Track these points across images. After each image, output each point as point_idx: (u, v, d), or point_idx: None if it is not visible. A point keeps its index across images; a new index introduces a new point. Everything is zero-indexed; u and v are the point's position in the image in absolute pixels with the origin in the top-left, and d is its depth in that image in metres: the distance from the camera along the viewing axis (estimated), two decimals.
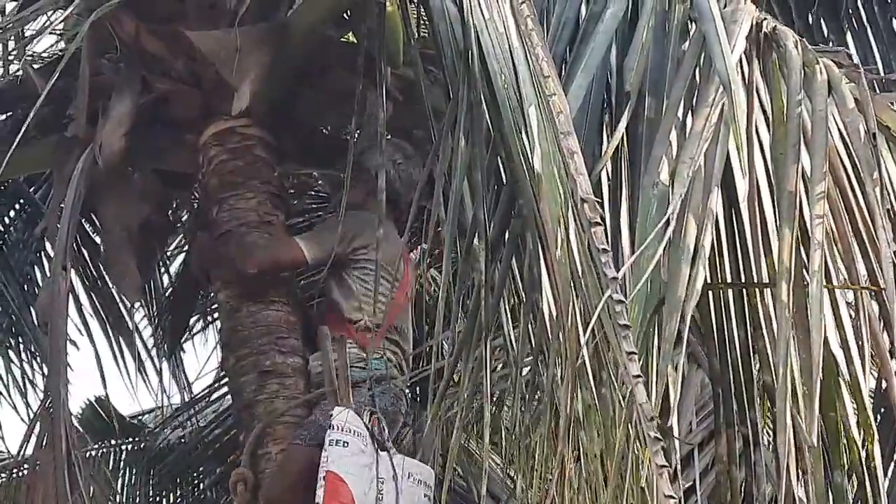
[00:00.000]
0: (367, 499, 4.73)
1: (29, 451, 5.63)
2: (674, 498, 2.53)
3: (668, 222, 2.83)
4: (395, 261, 5.06)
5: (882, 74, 5.30)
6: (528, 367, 3.72)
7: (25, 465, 5.83)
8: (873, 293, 3.09)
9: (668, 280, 2.89)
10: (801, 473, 3.10)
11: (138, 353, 6.96)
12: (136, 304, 6.84)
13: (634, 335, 2.89)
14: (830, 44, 5.73)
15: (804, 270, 2.96)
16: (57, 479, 5.08)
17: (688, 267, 2.88)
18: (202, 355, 9.93)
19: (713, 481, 5.13)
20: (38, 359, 6.91)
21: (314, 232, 5.45)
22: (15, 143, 4.45)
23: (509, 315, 3.92)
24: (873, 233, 2.99)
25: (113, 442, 8.14)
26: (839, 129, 3.11)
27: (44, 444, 5.32)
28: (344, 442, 4.76)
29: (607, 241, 2.90)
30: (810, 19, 5.88)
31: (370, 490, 4.73)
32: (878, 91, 3.51)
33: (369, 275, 5.07)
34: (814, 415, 2.79)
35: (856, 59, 5.44)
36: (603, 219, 2.94)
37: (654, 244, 2.85)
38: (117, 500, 7.90)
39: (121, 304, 6.79)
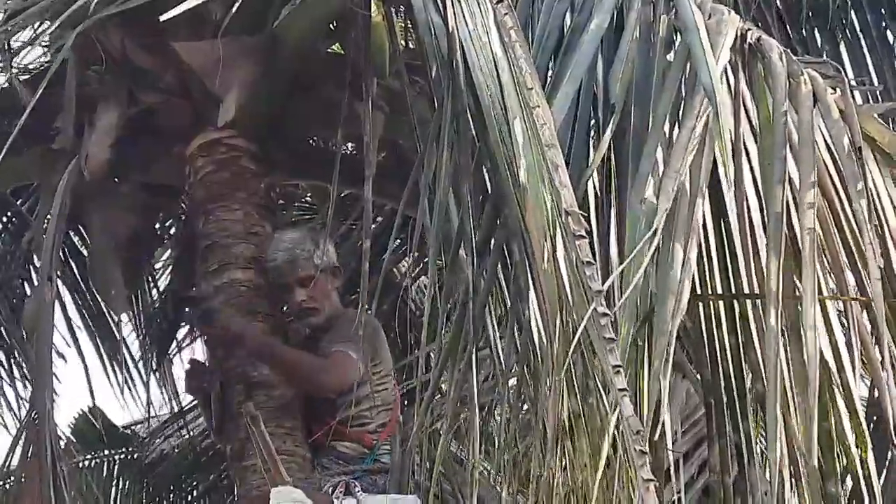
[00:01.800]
0: None
1: (15, 462, 5.61)
2: None
3: (653, 235, 2.82)
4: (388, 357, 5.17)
5: (877, 86, 5.31)
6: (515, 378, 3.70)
7: (12, 477, 5.80)
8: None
9: (657, 293, 2.88)
10: (794, 482, 3.09)
11: (133, 362, 6.97)
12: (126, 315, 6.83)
13: (623, 348, 2.88)
14: (824, 55, 5.73)
15: (794, 281, 2.95)
16: (42, 491, 5.06)
17: (676, 279, 2.87)
18: None
19: (699, 490, 5.13)
20: (25, 370, 6.88)
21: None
22: (1, 155, 4.43)
23: (495, 324, 3.91)
24: (861, 243, 2.99)
25: (106, 452, 8.17)
26: (825, 140, 3.11)
27: (29, 455, 5.29)
28: None
29: (594, 254, 2.89)
30: (804, 31, 5.87)
31: None
32: (872, 102, 3.51)
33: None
34: (812, 431, 2.76)
35: (850, 71, 5.47)
36: (589, 231, 2.93)
37: (641, 257, 2.85)
38: None
39: (109, 315, 6.79)
